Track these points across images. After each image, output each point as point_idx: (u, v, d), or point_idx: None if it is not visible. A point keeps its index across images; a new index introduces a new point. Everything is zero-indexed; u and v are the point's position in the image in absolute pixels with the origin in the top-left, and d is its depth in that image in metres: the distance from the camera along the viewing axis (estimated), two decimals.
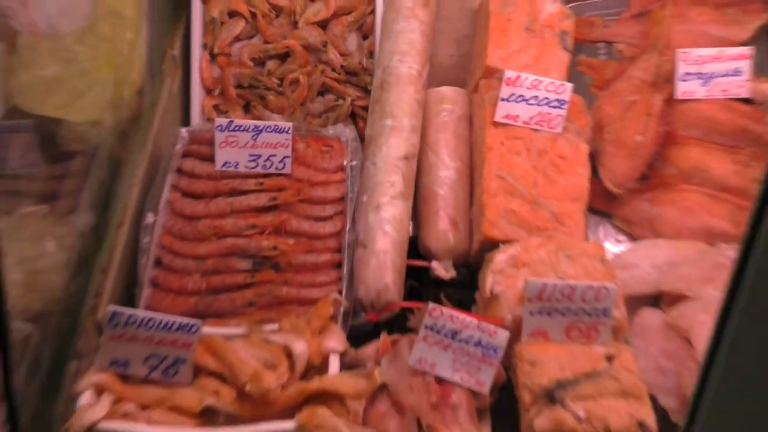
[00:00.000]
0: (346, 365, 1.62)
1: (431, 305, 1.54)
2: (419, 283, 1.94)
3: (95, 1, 1.76)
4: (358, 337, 1.74)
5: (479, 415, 1.55)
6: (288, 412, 1.41)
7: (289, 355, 1.49)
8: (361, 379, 1.44)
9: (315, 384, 1.42)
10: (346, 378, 1.45)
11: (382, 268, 1.80)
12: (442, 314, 1.53)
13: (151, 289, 1.77)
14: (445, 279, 1.90)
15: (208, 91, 2.24)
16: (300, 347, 1.49)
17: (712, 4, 2.21)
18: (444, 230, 1.92)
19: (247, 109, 2.22)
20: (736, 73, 2.05)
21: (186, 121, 2.22)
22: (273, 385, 1.41)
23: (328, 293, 1.73)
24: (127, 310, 1.48)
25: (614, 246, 2.01)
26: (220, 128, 1.89)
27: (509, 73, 1.94)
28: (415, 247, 1.94)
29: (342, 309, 1.71)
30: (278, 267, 1.78)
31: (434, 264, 1.91)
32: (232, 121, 1.89)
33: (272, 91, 2.20)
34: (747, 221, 0.86)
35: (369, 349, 1.64)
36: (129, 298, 1.76)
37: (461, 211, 1.95)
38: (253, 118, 2.18)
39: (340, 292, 1.75)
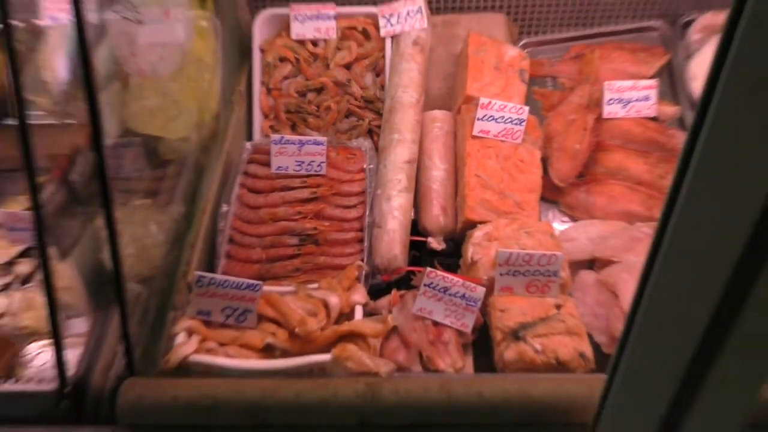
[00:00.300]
0: (367, 313, 1.59)
1: (429, 270, 1.51)
2: (419, 253, 1.90)
3: (184, 52, 1.72)
4: (375, 292, 1.71)
5: (464, 348, 1.52)
6: (326, 348, 1.37)
7: (326, 306, 1.46)
8: (379, 323, 1.41)
9: (345, 327, 1.38)
10: (368, 322, 1.41)
11: (392, 242, 1.76)
12: (437, 275, 1.49)
13: (226, 260, 1.73)
14: (437, 250, 1.86)
15: (265, 116, 2.19)
16: (334, 300, 1.45)
17: (627, 49, 2.17)
18: (437, 215, 1.88)
19: (293, 128, 2.17)
20: (646, 98, 2.00)
21: (250, 138, 2.18)
22: (314, 328, 1.37)
23: (353, 261, 1.70)
24: (209, 275, 1.45)
25: (560, 225, 1.97)
26: (275, 142, 1.85)
27: (483, 100, 1.90)
28: (416, 227, 1.90)
29: (364, 272, 1.67)
30: (317, 242, 1.75)
31: (430, 239, 1.87)
32: (283, 137, 1.85)
33: (311, 115, 2.15)
34: (662, 206, 0.83)
35: (383, 301, 1.61)
36: (210, 267, 1.73)
37: (449, 200, 1.91)
38: (298, 135, 2.14)
39: (362, 260, 1.71)
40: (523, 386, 1.22)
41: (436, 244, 1.87)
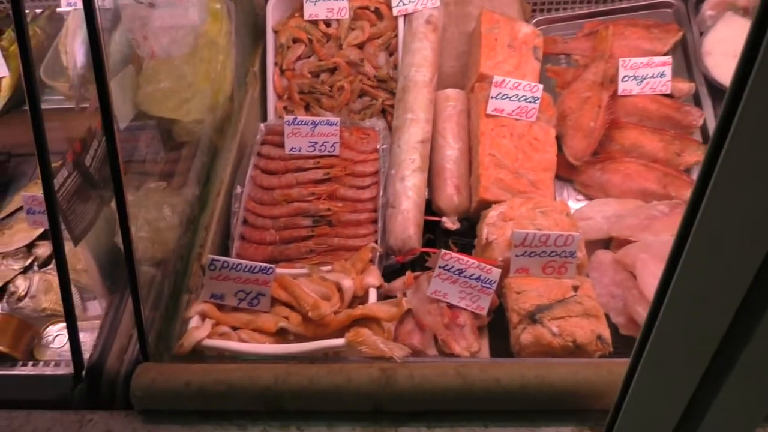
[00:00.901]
0: (382, 295, 1.51)
1: (443, 251, 1.42)
2: (434, 233, 1.82)
3: (197, 34, 1.63)
4: (389, 274, 1.64)
5: (480, 331, 1.44)
6: (339, 333, 1.29)
7: (339, 289, 1.38)
8: (393, 307, 1.33)
9: (359, 311, 1.30)
10: (382, 306, 1.33)
11: (406, 222, 1.67)
12: (452, 257, 1.41)
13: (240, 241, 1.66)
14: (452, 229, 1.78)
15: (279, 97, 2.10)
16: (347, 283, 1.37)
17: (641, 26, 2.04)
18: (451, 194, 1.79)
19: (307, 108, 2.08)
20: (661, 75, 1.88)
21: (264, 118, 2.09)
22: (328, 311, 1.30)
23: (367, 242, 1.61)
24: (221, 258, 1.38)
25: (575, 204, 1.87)
26: (288, 123, 1.77)
27: (497, 78, 1.80)
28: (430, 207, 1.82)
29: (378, 254, 1.59)
30: (331, 223, 1.66)
31: (444, 219, 1.78)
32: (296, 118, 1.77)
33: (325, 95, 2.06)
34: (691, 192, 0.74)
35: (398, 283, 1.52)
36: (224, 248, 1.66)
37: (463, 180, 1.82)
38: (312, 115, 2.05)
39: (376, 241, 1.63)
40: (540, 372, 1.14)
41: (450, 223, 1.78)
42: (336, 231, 1.64)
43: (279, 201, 1.69)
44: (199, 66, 1.62)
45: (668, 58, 1.91)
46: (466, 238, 1.77)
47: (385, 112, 2.05)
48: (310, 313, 1.30)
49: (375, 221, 1.68)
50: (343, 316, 1.30)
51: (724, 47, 1.94)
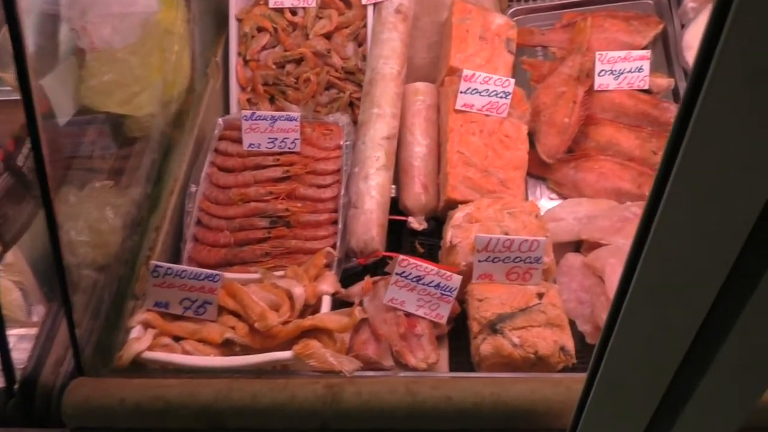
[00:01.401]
0: (339, 301, 1.45)
1: (401, 258, 1.36)
2: (399, 233, 1.75)
3: (147, 23, 1.55)
4: (351, 276, 1.58)
5: (439, 340, 1.38)
6: (288, 344, 1.23)
7: (290, 297, 1.32)
8: (345, 317, 1.27)
9: (308, 322, 1.24)
10: (333, 316, 1.27)
11: (369, 223, 1.61)
12: (409, 264, 1.35)
13: (193, 243, 1.59)
14: (418, 230, 1.71)
15: (243, 88, 2.02)
16: (298, 291, 1.31)
17: (621, 18, 1.98)
18: (418, 193, 1.73)
19: (272, 101, 2.01)
20: (639, 70, 1.82)
21: (227, 111, 2.01)
22: (275, 322, 1.23)
23: (326, 245, 1.55)
24: (165, 264, 1.31)
25: (548, 203, 1.81)
26: (245, 117, 1.69)
27: (466, 72, 1.73)
28: (397, 206, 1.75)
29: (335, 259, 1.53)
30: (289, 224, 1.60)
31: (410, 219, 1.72)
32: (254, 112, 1.69)
33: (290, 87, 1.98)
34: (652, 186, 0.68)
35: (356, 289, 1.46)
36: (177, 251, 1.59)
37: (431, 177, 1.76)
38: (277, 109, 1.98)
39: (336, 243, 1.57)
40: (495, 389, 1.08)
41: (416, 224, 1.72)
42: (294, 233, 1.58)
43: (235, 200, 1.63)
44: (149, 57, 1.54)
45: (647, 52, 1.85)
46: (433, 238, 1.71)
47: (353, 106, 1.98)
48: (256, 324, 1.24)
49: (335, 222, 1.61)
50: (292, 326, 1.24)
51: None
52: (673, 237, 0.64)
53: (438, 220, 1.75)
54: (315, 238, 1.57)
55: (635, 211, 1.62)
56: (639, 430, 0.92)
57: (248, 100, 2.02)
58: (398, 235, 1.75)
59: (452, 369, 1.36)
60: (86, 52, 1.48)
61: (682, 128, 0.57)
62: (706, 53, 0.51)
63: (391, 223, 1.71)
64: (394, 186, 1.76)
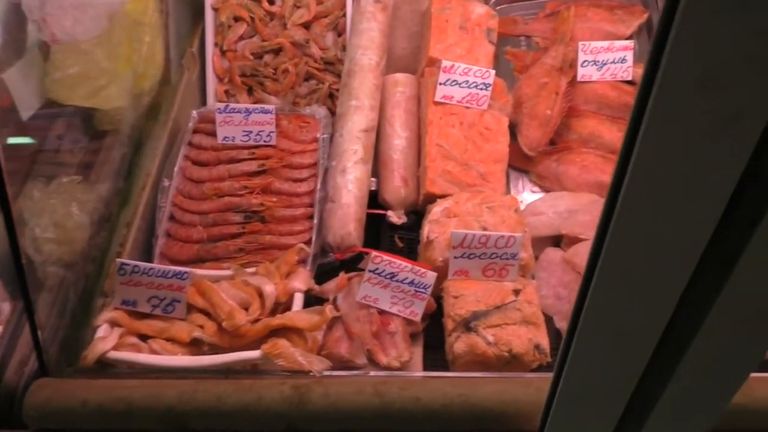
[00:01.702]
0: (313, 298, 1.43)
1: (374, 254, 1.34)
2: (379, 227, 1.73)
3: (113, 14, 1.52)
4: (328, 272, 1.56)
5: (414, 338, 1.36)
6: (258, 343, 1.21)
7: (260, 294, 1.30)
8: (316, 315, 1.24)
9: (277, 320, 1.22)
10: (303, 315, 1.25)
11: (346, 218, 1.59)
12: (382, 260, 1.32)
13: (165, 239, 1.56)
14: (398, 224, 1.69)
15: (220, 80, 1.99)
16: (269, 289, 1.29)
17: (605, 7, 1.95)
18: (397, 186, 1.70)
19: (250, 92, 1.98)
20: (623, 60, 1.80)
21: (204, 103, 1.98)
22: (242, 321, 1.21)
23: (302, 240, 1.53)
24: (132, 262, 1.29)
25: (531, 196, 1.79)
26: (219, 110, 1.66)
27: (445, 63, 1.70)
28: (377, 200, 1.73)
29: (311, 255, 1.51)
30: (264, 219, 1.57)
31: (389, 213, 1.70)
32: (228, 105, 1.67)
33: (269, 78, 1.95)
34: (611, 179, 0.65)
35: (330, 285, 1.44)
36: (148, 247, 1.56)
37: (411, 171, 1.73)
38: (255, 100, 1.95)
39: (311, 239, 1.54)
40: (464, 390, 1.07)
41: (396, 218, 1.70)
42: (269, 228, 1.55)
43: (209, 195, 1.60)
44: (116, 49, 1.51)
45: (630, 43, 1.82)
46: (413, 233, 1.69)
47: (333, 97, 1.95)
48: (224, 323, 1.21)
49: (311, 217, 1.59)
50: (261, 325, 1.22)
51: None
52: (631, 240, 0.62)
53: (418, 214, 1.72)
54: (290, 233, 1.55)
55: None
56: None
57: (226, 92, 1.99)
58: (378, 230, 1.73)
59: (428, 367, 1.35)
60: (52, 45, 1.44)
61: (634, 133, 0.55)
62: (657, 57, 0.49)
63: (370, 217, 1.69)
64: (374, 179, 1.74)
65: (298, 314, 1.24)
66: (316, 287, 1.42)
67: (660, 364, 0.77)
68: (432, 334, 1.41)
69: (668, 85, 0.48)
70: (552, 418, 0.86)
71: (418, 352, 1.35)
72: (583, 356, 0.75)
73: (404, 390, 1.08)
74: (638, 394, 0.83)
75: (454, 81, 1.70)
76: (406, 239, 1.71)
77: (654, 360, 0.76)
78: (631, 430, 0.85)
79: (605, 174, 1.72)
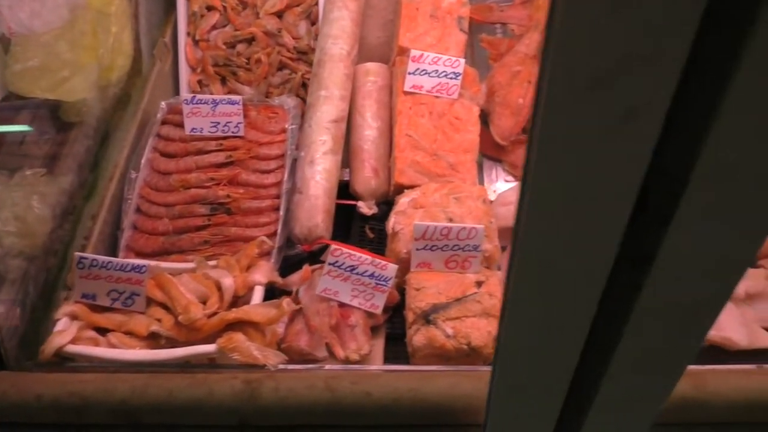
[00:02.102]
0: (278, 290, 1.43)
1: (333, 247, 1.33)
2: (350, 218, 1.72)
3: (75, 6, 1.51)
4: (296, 263, 1.55)
5: (375, 330, 1.36)
6: (215, 337, 1.21)
7: (219, 288, 1.29)
8: (273, 309, 1.24)
9: (233, 314, 1.22)
10: (260, 308, 1.24)
11: (314, 209, 1.58)
12: (342, 253, 1.32)
13: (131, 231, 1.56)
14: (368, 215, 1.68)
15: (193, 70, 1.98)
16: (227, 282, 1.28)
17: None
18: (368, 177, 1.69)
19: (224, 82, 1.97)
20: None
21: (177, 93, 1.97)
22: (198, 315, 1.21)
23: (267, 232, 1.53)
24: (91, 256, 1.29)
25: (504, 185, 1.78)
26: (186, 102, 1.65)
27: (414, 52, 1.69)
28: (348, 190, 1.72)
29: (277, 245, 1.50)
30: (230, 211, 1.57)
31: (360, 203, 1.69)
32: (194, 96, 1.65)
33: (242, 68, 1.94)
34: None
35: (295, 277, 1.44)
36: (115, 240, 1.56)
37: (382, 161, 1.72)
38: (229, 90, 1.94)
39: (277, 231, 1.54)
40: (415, 384, 1.06)
41: (366, 208, 1.69)
42: (235, 220, 1.55)
43: (175, 187, 1.59)
44: (79, 40, 1.50)
45: None
46: (384, 223, 1.68)
47: (306, 86, 1.94)
48: (180, 317, 1.21)
49: (278, 209, 1.58)
50: (216, 319, 1.21)
51: None
52: (544, 240, 0.61)
53: (390, 204, 1.71)
54: (256, 225, 1.54)
55: None
56: (548, 428, 0.90)
57: (199, 82, 1.97)
58: (349, 220, 1.72)
59: (390, 359, 1.35)
60: (12, 37, 1.43)
61: (533, 136, 0.54)
62: (546, 57, 0.48)
63: (342, 208, 1.68)
64: (348, 170, 1.73)
65: (254, 308, 1.24)
66: (280, 280, 1.41)
67: (594, 359, 0.77)
68: (397, 326, 1.41)
69: (558, 86, 0.47)
70: (492, 412, 0.85)
71: (380, 344, 1.34)
72: (512, 351, 0.74)
73: (355, 384, 1.07)
74: (577, 388, 0.82)
75: (424, 70, 1.69)
76: (377, 230, 1.70)
77: (588, 355, 0.76)
78: (574, 423, 0.84)
79: None
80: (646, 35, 0.44)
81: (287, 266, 1.54)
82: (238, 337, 1.17)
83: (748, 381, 1.03)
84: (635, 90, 0.47)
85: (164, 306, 1.28)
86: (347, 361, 1.25)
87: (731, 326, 1.25)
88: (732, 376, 1.05)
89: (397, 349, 1.36)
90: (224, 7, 1.98)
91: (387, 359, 1.35)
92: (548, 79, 0.47)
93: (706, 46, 0.46)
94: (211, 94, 1.94)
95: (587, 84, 0.47)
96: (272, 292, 1.43)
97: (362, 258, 1.32)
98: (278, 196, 1.59)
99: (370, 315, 1.34)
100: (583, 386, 0.82)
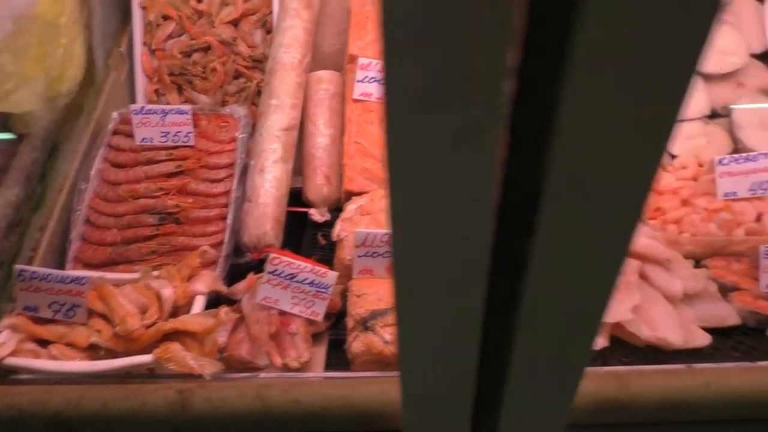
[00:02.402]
0: (224, 299, 1.44)
1: (272, 256, 1.34)
2: (303, 225, 1.74)
3: (20, 18, 1.51)
4: (245, 272, 1.56)
5: (317, 337, 1.37)
6: (153, 348, 1.22)
7: (159, 298, 1.30)
8: (210, 318, 1.25)
9: (170, 324, 1.23)
10: (197, 318, 1.25)
11: (263, 218, 1.59)
12: (281, 261, 1.33)
13: (80, 242, 1.56)
14: (320, 222, 1.70)
15: (150, 79, 1.99)
16: (167, 292, 1.29)
17: None
18: (320, 184, 1.71)
19: (180, 91, 1.98)
20: None
21: (134, 102, 1.98)
22: (135, 326, 1.22)
23: (214, 241, 1.54)
24: (30, 268, 1.29)
25: None
26: (135, 112, 1.66)
27: (363, 60, 1.71)
28: (301, 198, 1.74)
29: (224, 254, 1.51)
30: (178, 221, 1.57)
31: (311, 210, 1.70)
32: (144, 107, 1.66)
33: (198, 77, 1.95)
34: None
35: (241, 286, 1.45)
36: (63, 251, 1.56)
37: (334, 168, 1.74)
38: (185, 99, 1.95)
39: (224, 240, 1.55)
40: (344, 392, 1.08)
41: (318, 216, 1.70)
42: (183, 229, 1.56)
43: (125, 197, 1.60)
44: (25, 53, 1.50)
45: None
46: None
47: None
48: (117, 328, 1.22)
49: (225, 217, 1.59)
50: (154, 330, 1.22)
51: None
52: (414, 255, 0.62)
53: (341, 210, 1.73)
54: (203, 234, 1.55)
55: None
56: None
57: (156, 91, 1.98)
58: (302, 228, 1.74)
59: (332, 366, 1.36)
60: None
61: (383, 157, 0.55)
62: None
63: (296, 215, 1.70)
64: (301, 177, 1.75)
65: (192, 318, 1.25)
66: (224, 288, 1.42)
67: (494, 365, 0.78)
68: (341, 333, 1.42)
69: (395, 107, 0.49)
70: (406, 418, 0.87)
71: (321, 351, 1.36)
72: (411, 363, 0.76)
73: (286, 393, 1.09)
74: (485, 393, 0.84)
75: (372, 78, 1.70)
76: (329, 237, 1.72)
77: (488, 361, 0.77)
78: (489, 425, 0.85)
79: None
80: (469, 55, 0.46)
81: (236, 274, 1.55)
82: (174, 347, 1.18)
83: (672, 381, 1.05)
84: (469, 108, 0.48)
85: (105, 317, 1.29)
86: (286, 368, 1.27)
87: (667, 326, 1.27)
88: (656, 376, 1.06)
89: (339, 355, 1.38)
90: (180, 16, 1.99)
91: (330, 366, 1.36)
92: (384, 102, 0.49)
93: (538, 59, 0.48)
94: (168, 103, 1.95)
95: (419, 105, 0.49)
96: (219, 301, 1.44)
97: (302, 266, 1.33)
98: (227, 205, 1.60)
99: (311, 322, 1.36)
100: (492, 391, 0.84)
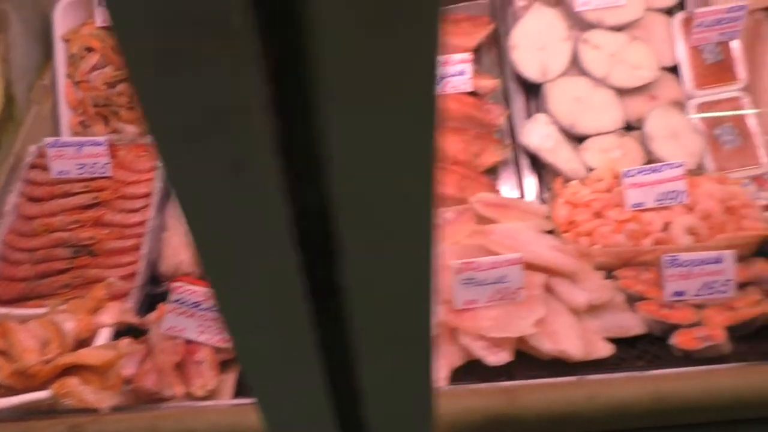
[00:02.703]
0: (135, 330, 1.42)
1: (175, 284, 1.34)
2: None
3: None
4: (163, 301, 1.55)
5: (227, 364, 1.36)
6: (53, 383, 1.21)
7: (61, 332, 1.29)
8: (110, 350, 1.24)
9: (67, 358, 1.22)
10: (95, 351, 1.24)
11: (181, 246, 1.58)
12: (184, 290, 1.33)
13: None
14: None
15: (75, 111, 1.99)
16: (68, 326, 1.28)
17: (451, 21, 1.98)
18: None
19: (106, 122, 1.98)
20: (462, 73, 1.83)
21: (58, 135, 1.97)
22: (32, 362, 1.20)
23: (129, 272, 1.53)
24: None
25: None
26: (50, 145, 1.66)
27: None
28: None
29: (139, 284, 1.50)
30: (93, 253, 1.57)
31: None
32: (57, 140, 1.67)
33: (123, 107, 1.95)
34: None
35: (153, 316, 1.44)
36: None
37: None
38: (112, 130, 1.95)
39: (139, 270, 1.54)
40: (234, 419, 1.07)
41: None
42: (97, 261, 1.55)
43: (39, 231, 1.59)
44: None
45: (467, 56, 1.85)
46: None
47: None
48: (15, 365, 1.21)
49: (141, 248, 1.59)
50: (51, 366, 1.21)
51: (529, 40, 1.89)
52: (236, 288, 0.63)
53: None
54: (117, 265, 1.55)
55: (448, 216, 1.62)
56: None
57: (81, 123, 1.98)
58: None
59: (245, 392, 1.35)
60: None
61: None
62: None
63: None
64: None
65: (90, 351, 1.24)
66: (134, 320, 1.41)
67: (348, 387, 0.78)
68: None
69: (161, 139, 0.49)
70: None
71: (231, 378, 1.35)
72: (260, 392, 0.76)
73: (180, 422, 1.08)
74: (349, 411, 0.84)
75: None
76: None
77: (340, 383, 0.77)
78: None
79: (446, 186, 1.74)
80: (225, 89, 0.47)
81: (154, 304, 1.54)
82: (71, 382, 1.17)
83: (559, 393, 1.05)
84: (238, 140, 0.49)
85: (6, 354, 1.27)
86: (191, 397, 1.26)
87: (567, 339, 1.28)
88: (544, 389, 1.07)
89: None
90: (104, 47, 1.99)
91: (243, 392, 1.35)
92: (152, 136, 0.49)
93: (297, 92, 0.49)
94: (94, 135, 1.94)
95: (192, 135, 0.49)
96: (134, 333, 1.42)
97: (206, 293, 1.32)
98: (142, 235, 1.60)
99: (220, 350, 1.35)
100: (354, 410, 0.84)
